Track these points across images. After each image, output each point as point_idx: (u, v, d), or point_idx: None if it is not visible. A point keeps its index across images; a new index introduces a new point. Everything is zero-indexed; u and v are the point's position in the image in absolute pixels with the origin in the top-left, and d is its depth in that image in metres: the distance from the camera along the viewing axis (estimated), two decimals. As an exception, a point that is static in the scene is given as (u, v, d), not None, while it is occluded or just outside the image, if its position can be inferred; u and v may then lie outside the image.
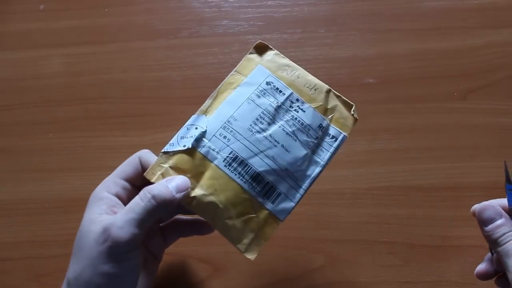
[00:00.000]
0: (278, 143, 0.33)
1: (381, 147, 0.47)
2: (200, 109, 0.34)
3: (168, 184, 0.31)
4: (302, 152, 0.33)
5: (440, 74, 0.50)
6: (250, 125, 0.33)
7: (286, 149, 0.33)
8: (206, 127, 0.33)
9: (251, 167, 0.32)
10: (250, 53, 0.36)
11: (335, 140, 0.34)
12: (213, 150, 0.32)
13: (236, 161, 0.32)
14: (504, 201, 0.34)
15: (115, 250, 0.29)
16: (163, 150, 0.33)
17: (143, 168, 0.33)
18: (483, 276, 0.36)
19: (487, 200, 0.35)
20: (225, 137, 0.33)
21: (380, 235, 0.44)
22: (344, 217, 0.45)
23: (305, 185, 0.33)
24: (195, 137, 0.32)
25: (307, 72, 0.36)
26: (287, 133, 0.33)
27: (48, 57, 0.52)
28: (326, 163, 0.34)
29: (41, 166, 0.47)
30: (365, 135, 0.47)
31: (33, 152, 0.48)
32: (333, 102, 0.35)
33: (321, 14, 0.53)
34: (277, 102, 0.34)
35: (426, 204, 0.45)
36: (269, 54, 0.36)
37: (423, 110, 0.48)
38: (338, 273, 0.43)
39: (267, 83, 0.34)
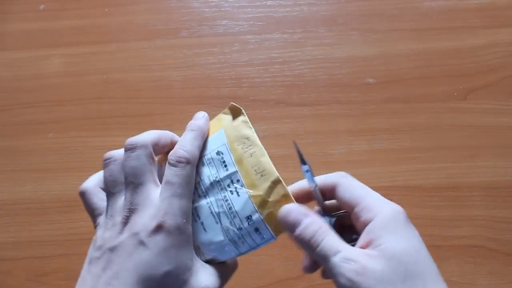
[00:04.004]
0: (199, 219, 0.30)
1: (381, 147, 0.47)
2: None
3: None
4: (219, 237, 0.30)
5: (440, 74, 0.50)
6: (193, 190, 0.30)
7: (204, 228, 0.30)
8: None
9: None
10: (224, 113, 0.32)
11: (262, 240, 0.30)
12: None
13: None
14: (304, 183, 0.31)
15: None
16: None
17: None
18: (309, 269, 0.32)
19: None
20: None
21: (380, 235, 0.44)
22: (344, 217, 0.45)
23: (209, 255, 0.30)
24: None
25: (264, 151, 0.30)
26: (211, 212, 0.30)
27: (48, 57, 0.52)
28: (242, 254, 0.30)
29: (41, 166, 0.47)
30: (365, 135, 0.47)
31: (33, 152, 0.48)
32: (276, 196, 0.29)
33: (321, 14, 0.53)
34: (216, 177, 0.30)
35: (426, 204, 0.45)
36: (238, 120, 0.31)
37: (423, 110, 0.48)
38: (338, 273, 0.43)
39: (217, 153, 0.31)
